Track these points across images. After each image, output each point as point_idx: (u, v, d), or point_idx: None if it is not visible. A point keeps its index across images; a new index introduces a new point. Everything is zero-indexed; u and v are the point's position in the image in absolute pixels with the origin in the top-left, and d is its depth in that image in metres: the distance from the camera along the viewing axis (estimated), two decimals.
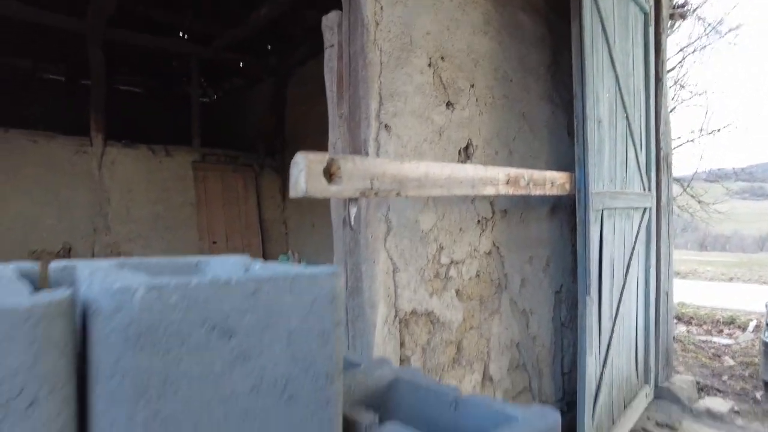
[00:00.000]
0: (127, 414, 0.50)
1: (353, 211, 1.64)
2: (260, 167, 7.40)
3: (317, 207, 6.68)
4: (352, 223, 1.69)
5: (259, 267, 0.76)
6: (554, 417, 0.80)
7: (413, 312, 2.10)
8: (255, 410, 0.59)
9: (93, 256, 6.06)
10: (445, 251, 2.22)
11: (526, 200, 2.69)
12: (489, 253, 2.47)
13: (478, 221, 2.38)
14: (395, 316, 2.04)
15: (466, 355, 2.34)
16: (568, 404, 3.15)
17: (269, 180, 7.51)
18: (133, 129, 7.15)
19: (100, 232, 6.29)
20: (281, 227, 7.46)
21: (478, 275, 2.40)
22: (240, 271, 0.78)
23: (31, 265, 0.71)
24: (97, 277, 0.53)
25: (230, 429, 0.57)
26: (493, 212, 2.48)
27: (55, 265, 0.74)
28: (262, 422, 0.59)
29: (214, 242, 6.36)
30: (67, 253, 6.06)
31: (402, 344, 2.05)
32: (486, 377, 2.47)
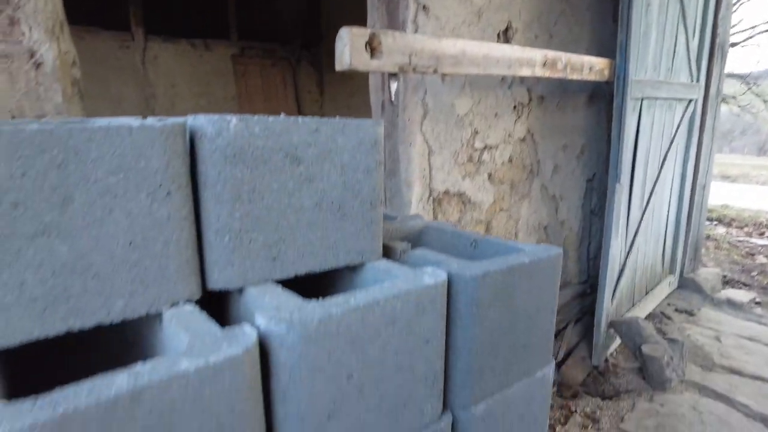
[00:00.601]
0: (228, 211, 0.69)
1: (393, 86, 1.75)
2: (297, 61, 7.36)
3: (354, 101, 6.71)
4: (392, 98, 1.80)
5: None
6: (556, 251, 0.97)
7: (446, 192, 2.26)
8: (318, 221, 0.77)
9: None
10: (480, 136, 2.32)
11: (564, 87, 2.70)
12: (523, 139, 2.55)
13: (514, 107, 2.44)
14: (429, 196, 2.21)
15: (495, 234, 2.53)
16: (592, 287, 3.37)
17: (306, 74, 7.50)
18: (170, 23, 7.13)
19: None
20: None
21: (510, 160, 2.51)
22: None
23: (136, 117, 0.89)
24: (196, 117, 0.69)
25: (300, 231, 0.76)
26: (530, 98, 2.52)
27: (151, 119, 0.91)
28: (323, 231, 0.79)
29: None
30: None
31: (435, 220, 2.24)
32: None
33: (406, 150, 2.09)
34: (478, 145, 2.33)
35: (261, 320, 0.60)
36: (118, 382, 0.49)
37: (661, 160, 3.24)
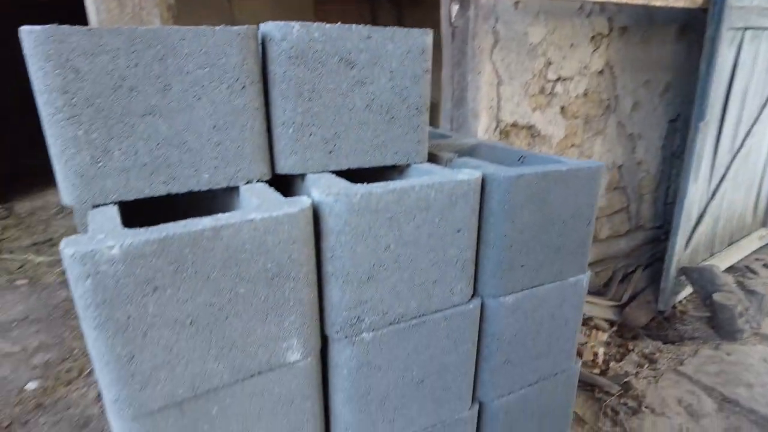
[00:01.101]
0: (292, 106, 0.82)
1: (454, 9, 1.77)
2: None
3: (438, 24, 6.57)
4: (453, 20, 1.82)
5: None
6: (597, 164, 1.02)
7: (514, 124, 2.27)
8: (368, 121, 0.88)
9: None
10: (553, 67, 2.27)
11: (651, 17, 2.52)
12: (600, 72, 2.46)
13: (592, 37, 2.34)
14: (496, 127, 2.24)
15: None
16: (666, 233, 3.25)
17: (385, 11, 7.41)
18: None
19: None
20: None
21: (585, 94, 2.44)
22: None
23: None
24: (266, 23, 0.81)
25: (353, 129, 0.87)
26: (611, 29, 2.40)
27: None
28: (373, 131, 0.90)
29: None
30: None
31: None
32: None
33: (474, 79, 2.11)
34: (551, 76, 2.29)
35: (315, 193, 0.74)
36: (204, 221, 0.64)
37: (764, 101, 2.96)
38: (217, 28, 0.73)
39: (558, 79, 2.32)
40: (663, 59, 2.71)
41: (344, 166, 0.89)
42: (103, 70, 0.67)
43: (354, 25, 0.82)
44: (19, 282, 3.16)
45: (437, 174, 0.87)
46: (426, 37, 0.89)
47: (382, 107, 0.88)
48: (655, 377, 2.33)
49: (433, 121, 1.71)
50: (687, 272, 2.87)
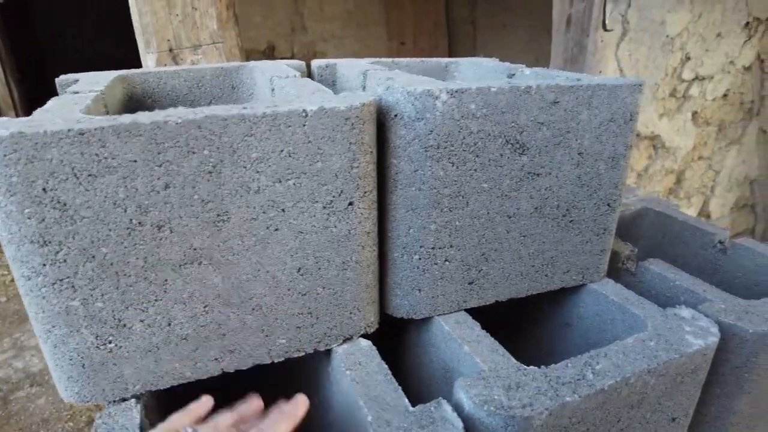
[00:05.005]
0: (422, 222, 0.49)
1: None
2: None
3: (511, 5, 5.96)
4: (570, 5, 1.42)
5: (530, 73, 0.66)
6: None
7: (636, 134, 1.85)
8: (534, 231, 0.55)
9: (292, 56, 6.43)
10: (691, 63, 1.81)
11: None
12: (748, 68, 1.96)
13: (747, 24, 1.85)
14: None
15: (686, 187, 2.07)
16: None
17: None
18: None
19: (298, 32, 6.56)
20: (469, 27, 6.90)
21: (725, 96, 1.97)
22: (504, 77, 0.68)
23: (299, 63, 0.71)
24: (390, 90, 0.48)
25: (510, 245, 0.54)
26: None
27: (317, 63, 0.73)
28: (539, 244, 0.56)
29: (402, 43, 6.23)
30: (271, 51, 6.52)
31: (649, 195, 1.86)
32: (702, 213, 2.20)
33: None
34: (687, 75, 1.83)
35: (465, 400, 0.42)
36: None
37: None
38: (311, 108, 0.41)
39: (694, 79, 1.85)
40: None
41: (489, 300, 0.57)
42: (110, 200, 0.37)
43: (534, 86, 0.48)
44: None
45: (643, 323, 0.53)
46: (638, 94, 0.54)
47: (559, 208, 0.55)
48: None
49: None
50: None
